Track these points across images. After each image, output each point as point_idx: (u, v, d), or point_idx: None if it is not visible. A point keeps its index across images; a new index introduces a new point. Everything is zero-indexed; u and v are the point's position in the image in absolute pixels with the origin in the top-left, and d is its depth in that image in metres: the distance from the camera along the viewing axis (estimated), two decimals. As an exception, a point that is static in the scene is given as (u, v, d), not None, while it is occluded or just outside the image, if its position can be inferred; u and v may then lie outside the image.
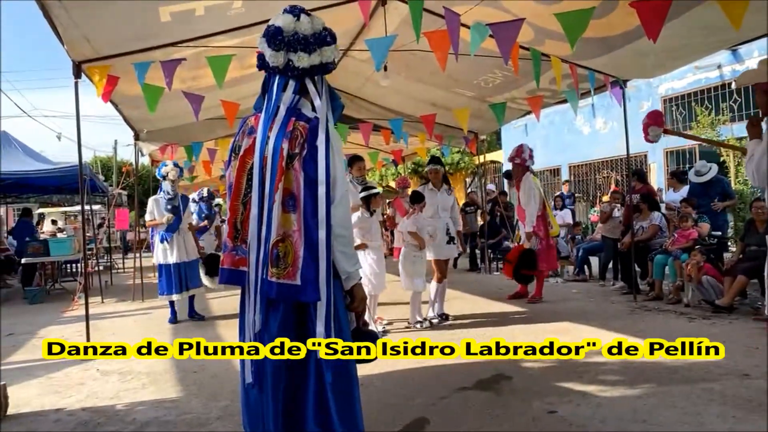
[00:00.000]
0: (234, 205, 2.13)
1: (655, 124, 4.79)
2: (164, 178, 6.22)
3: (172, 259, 6.16)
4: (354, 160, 5.85)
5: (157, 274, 6.36)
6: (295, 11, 2.10)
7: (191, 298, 6.39)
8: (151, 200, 6.27)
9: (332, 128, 2.13)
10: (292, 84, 2.12)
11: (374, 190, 5.26)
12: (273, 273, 2.02)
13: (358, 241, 4.96)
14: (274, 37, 2.07)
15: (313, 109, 2.13)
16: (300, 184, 2.02)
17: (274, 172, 2.03)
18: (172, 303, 6.26)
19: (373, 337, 2.28)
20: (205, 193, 8.97)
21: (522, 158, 6.78)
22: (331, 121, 2.15)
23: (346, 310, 2.17)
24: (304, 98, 2.15)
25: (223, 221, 12.98)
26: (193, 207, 8.19)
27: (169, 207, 6.14)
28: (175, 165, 6.31)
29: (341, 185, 2.08)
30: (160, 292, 6.24)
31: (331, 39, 2.14)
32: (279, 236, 2.02)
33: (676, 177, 8.27)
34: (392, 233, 7.19)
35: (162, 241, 6.20)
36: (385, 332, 5.31)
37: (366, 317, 2.58)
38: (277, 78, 2.13)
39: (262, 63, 2.16)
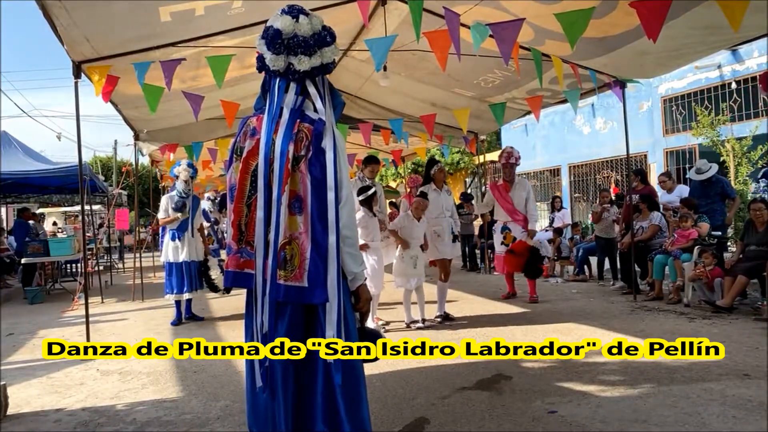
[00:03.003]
0: (238, 207, 2.11)
1: None
2: (177, 177, 6.21)
3: (182, 257, 6.12)
4: (369, 162, 5.87)
5: (165, 272, 6.27)
6: (294, 12, 2.07)
7: (189, 300, 6.34)
8: (164, 198, 6.28)
9: (335, 128, 2.11)
10: (293, 86, 2.10)
11: (370, 191, 5.27)
12: (281, 275, 2.00)
13: (361, 242, 4.97)
14: (274, 40, 2.04)
15: (315, 110, 2.12)
16: (306, 186, 2.01)
17: (281, 174, 2.01)
18: (177, 303, 6.20)
19: (376, 336, 2.27)
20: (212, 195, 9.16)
21: (518, 160, 6.78)
22: (333, 121, 2.14)
23: (352, 311, 2.17)
24: (307, 99, 2.14)
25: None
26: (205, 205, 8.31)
27: (173, 206, 6.12)
28: (189, 165, 6.29)
29: (346, 186, 2.07)
30: (167, 291, 6.13)
31: (331, 39, 2.12)
32: (286, 239, 2.01)
33: (669, 177, 8.06)
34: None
35: (173, 239, 6.16)
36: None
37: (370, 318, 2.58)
38: (277, 80, 2.11)
39: (261, 64, 2.13)
